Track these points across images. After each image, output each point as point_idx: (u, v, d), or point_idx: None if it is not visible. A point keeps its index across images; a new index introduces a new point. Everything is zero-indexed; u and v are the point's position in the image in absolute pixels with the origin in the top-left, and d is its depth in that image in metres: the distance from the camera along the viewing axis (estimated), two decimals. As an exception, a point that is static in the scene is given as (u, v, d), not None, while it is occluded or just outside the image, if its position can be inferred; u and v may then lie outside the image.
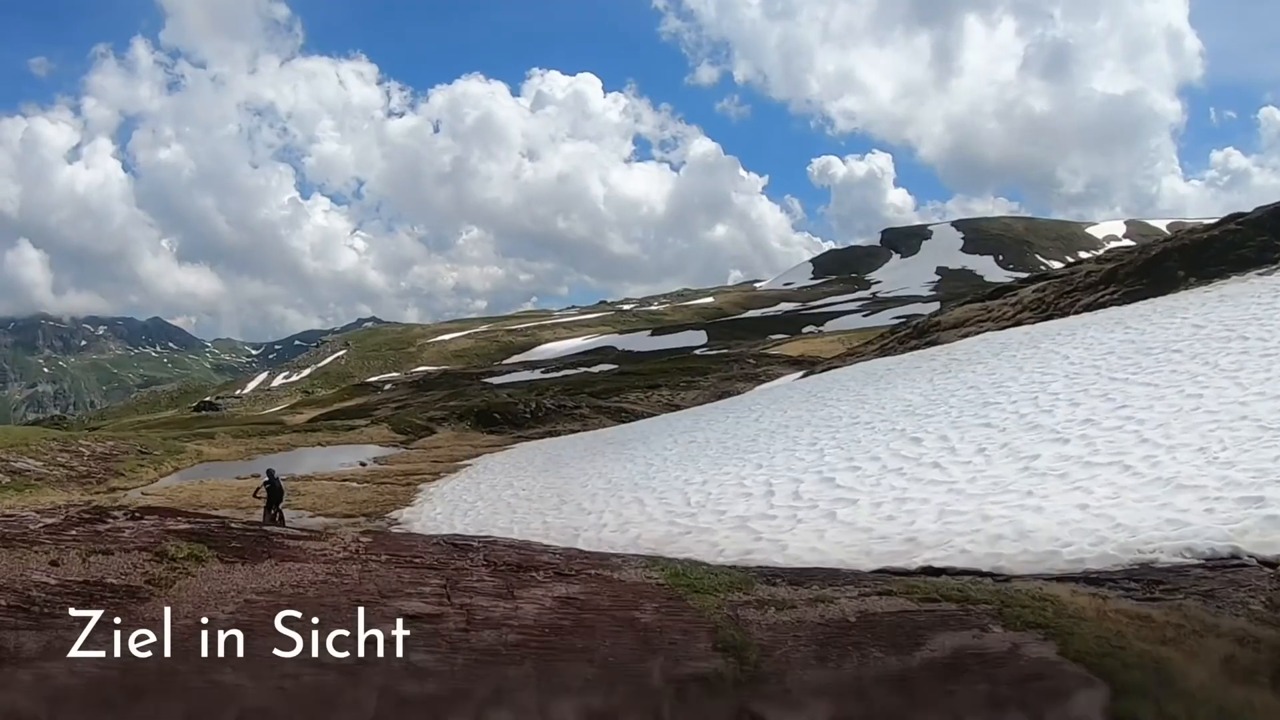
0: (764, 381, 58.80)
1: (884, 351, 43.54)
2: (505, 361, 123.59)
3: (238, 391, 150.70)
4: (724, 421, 29.93)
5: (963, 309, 44.20)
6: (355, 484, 30.14)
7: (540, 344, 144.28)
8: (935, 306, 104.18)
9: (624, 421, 49.70)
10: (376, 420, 55.31)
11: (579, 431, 46.15)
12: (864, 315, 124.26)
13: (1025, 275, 61.73)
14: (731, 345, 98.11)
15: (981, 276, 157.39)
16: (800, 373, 52.84)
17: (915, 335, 42.75)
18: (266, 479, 17.97)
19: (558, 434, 46.74)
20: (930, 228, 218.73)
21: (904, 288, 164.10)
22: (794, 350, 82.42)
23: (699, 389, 60.99)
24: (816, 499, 14.70)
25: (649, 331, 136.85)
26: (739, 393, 52.52)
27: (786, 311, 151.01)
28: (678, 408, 53.14)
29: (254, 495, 19.36)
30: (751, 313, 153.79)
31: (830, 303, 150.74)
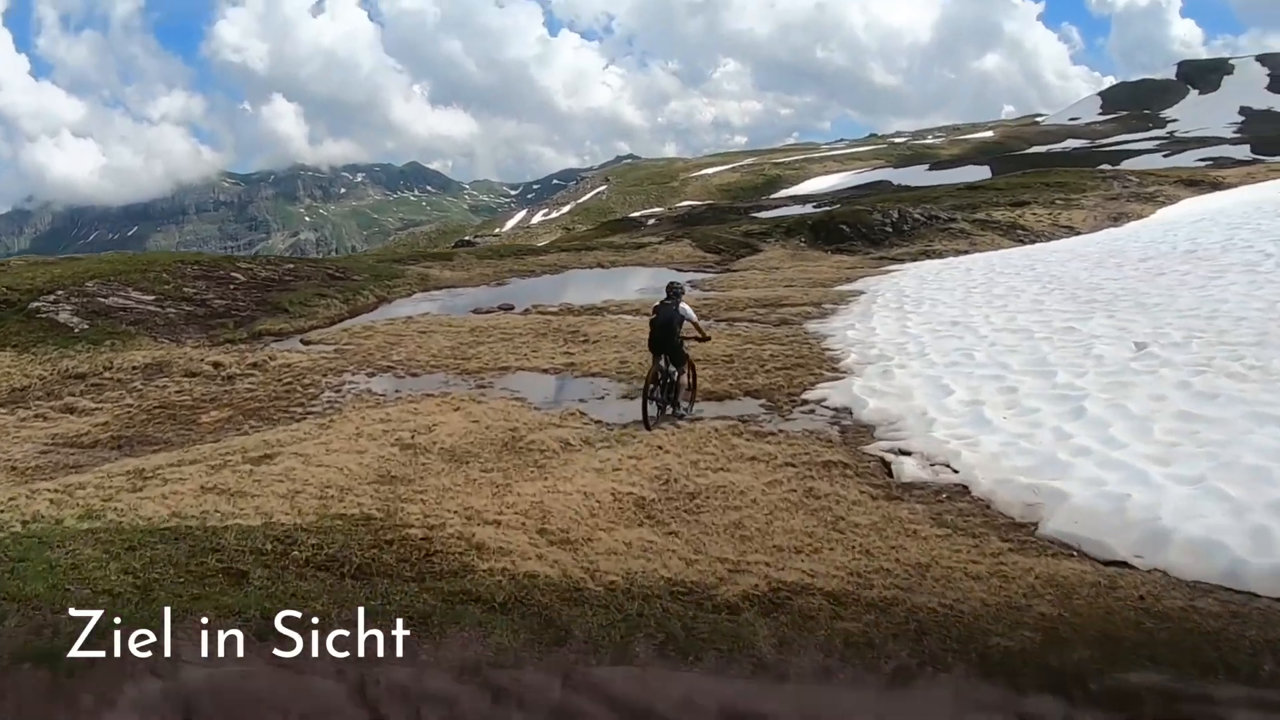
0: (1163, 204, 43.07)
1: None
2: (773, 196, 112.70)
3: (496, 230, 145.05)
4: None
5: None
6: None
7: (809, 177, 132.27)
8: (1245, 150, 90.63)
9: (1025, 243, 35.08)
10: (672, 237, 41.94)
11: (969, 253, 31.74)
12: (1164, 156, 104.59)
13: None
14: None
15: None
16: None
17: None
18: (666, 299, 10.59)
19: (939, 254, 32.86)
20: (1232, 62, 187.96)
21: (1204, 127, 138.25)
22: (1169, 173, 62.48)
23: (1081, 208, 44.11)
24: None
25: (926, 166, 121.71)
26: (1136, 216, 39.84)
27: (1075, 149, 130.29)
28: (1073, 229, 38.51)
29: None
30: (1037, 148, 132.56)
31: (1123, 140, 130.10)
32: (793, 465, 8.13)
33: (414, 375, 14.00)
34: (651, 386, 10.23)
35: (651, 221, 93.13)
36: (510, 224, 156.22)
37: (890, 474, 7.88)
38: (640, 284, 28.33)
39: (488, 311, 20.43)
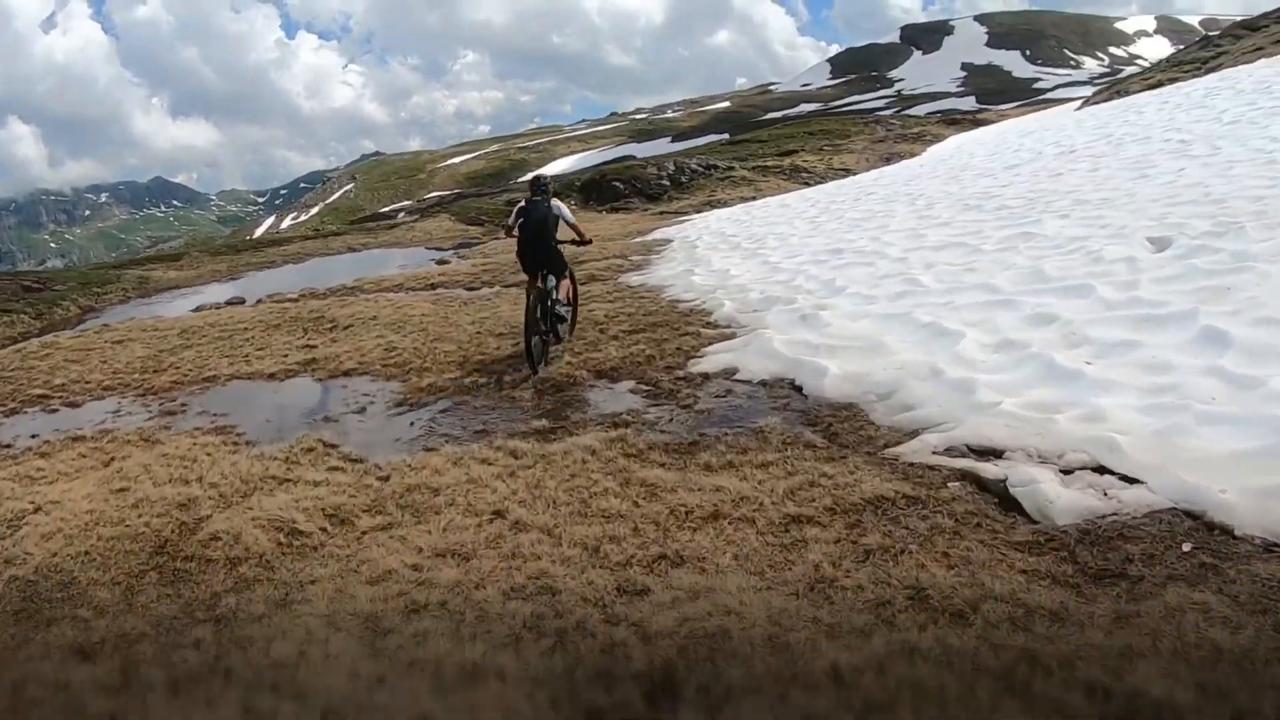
0: (931, 142, 44.13)
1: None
2: (522, 179, 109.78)
3: (245, 238, 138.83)
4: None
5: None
6: (466, 293, 14.14)
7: (555, 159, 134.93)
8: (970, 101, 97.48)
9: (811, 184, 32.60)
10: (428, 214, 37.21)
11: (757, 199, 28.77)
12: (895, 113, 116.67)
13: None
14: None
15: (1010, 72, 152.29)
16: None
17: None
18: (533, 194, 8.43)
19: (724, 203, 30.11)
20: (953, 23, 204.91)
21: (930, 84, 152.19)
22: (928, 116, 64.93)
23: (851, 152, 44.07)
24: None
25: (669, 138, 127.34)
26: (909, 154, 39.36)
27: (810, 112, 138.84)
28: (848, 171, 36.97)
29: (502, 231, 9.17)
30: (773, 114, 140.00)
31: (855, 101, 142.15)
32: (808, 524, 3.76)
33: (73, 406, 8.84)
34: (535, 315, 7.72)
35: (402, 215, 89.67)
36: (259, 231, 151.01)
37: (1024, 511, 3.69)
38: (400, 262, 23.75)
39: (211, 308, 15.98)
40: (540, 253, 8.11)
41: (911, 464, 4.26)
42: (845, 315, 7.34)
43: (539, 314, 7.78)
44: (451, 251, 27.39)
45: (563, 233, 8.24)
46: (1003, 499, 3.77)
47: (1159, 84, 26.03)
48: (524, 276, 8.45)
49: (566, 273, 8.51)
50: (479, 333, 9.61)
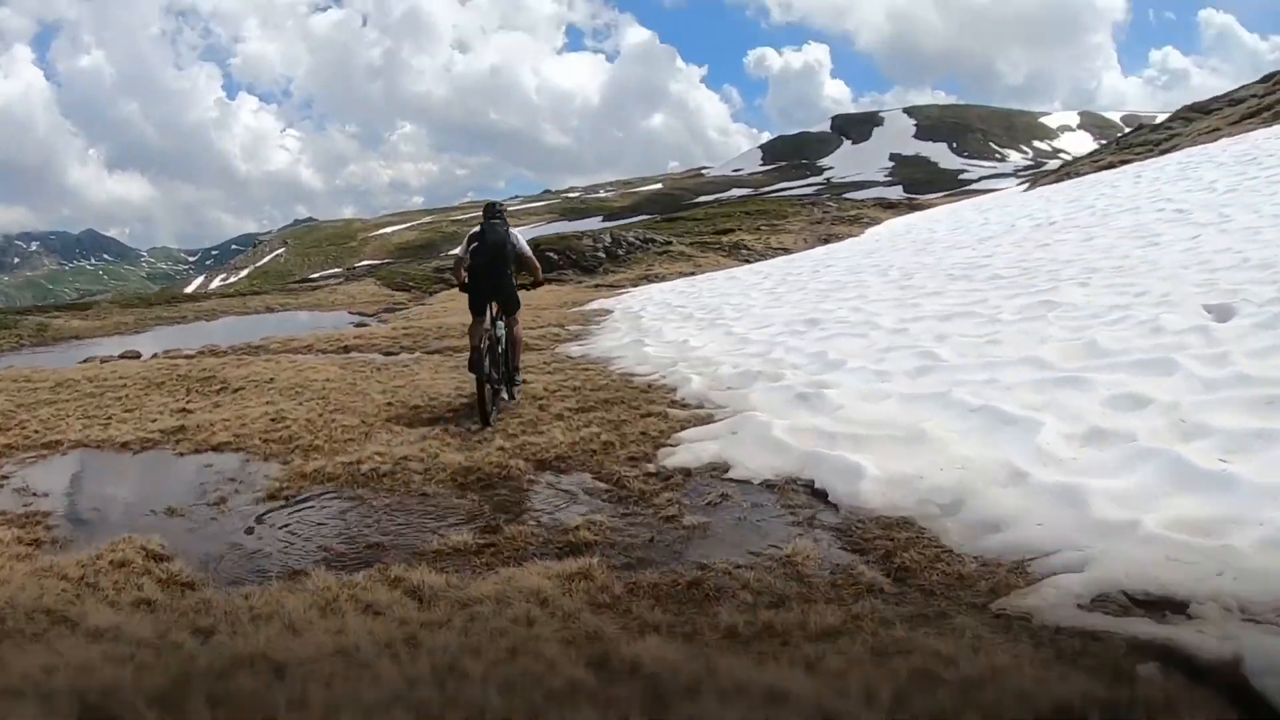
0: (870, 224, 43.34)
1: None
2: (453, 251, 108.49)
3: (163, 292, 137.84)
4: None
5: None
6: (381, 357, 12.18)
7: None
8: (898, 191, 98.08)
9: (749, 261, 32.49)
10: (354, 277, 36.24)
11: (696, 274, 27.81)
12: (830, 197, 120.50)
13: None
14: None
15: (936, 164, 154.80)
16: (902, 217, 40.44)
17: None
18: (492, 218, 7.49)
19: (662, 277, 28.88)
20: (882, 114, 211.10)
21: (859, 173, 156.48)
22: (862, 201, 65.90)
23: (788, 232, 43.80)
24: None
25: (600, 218, 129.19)
26: (848, 235, 38.00)
27: (740, 197, 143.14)
28: (786, 250, 35.89)
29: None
30: (704, 197, 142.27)
31: (784, 188, 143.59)
32: None
33: None
34: (484, 359, 6.62)
35: (333, 283, 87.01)
36: (188, 290, 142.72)
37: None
38: (315, 325, 22.51)
39: (99, 361, 14.54)
40: (496, 277, 7.13)
41: (1060, 629, 2.65)
42: (858, 395, 5.84)
43: (488, 359, 6.69)
44: (374, 317, 25.84)
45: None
46: (1233, 690, 2.21)
47: (1110, 165, 26.18)
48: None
49: (517, 314, 7.55)
50: (389, 404, 7.81)
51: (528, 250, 7.39)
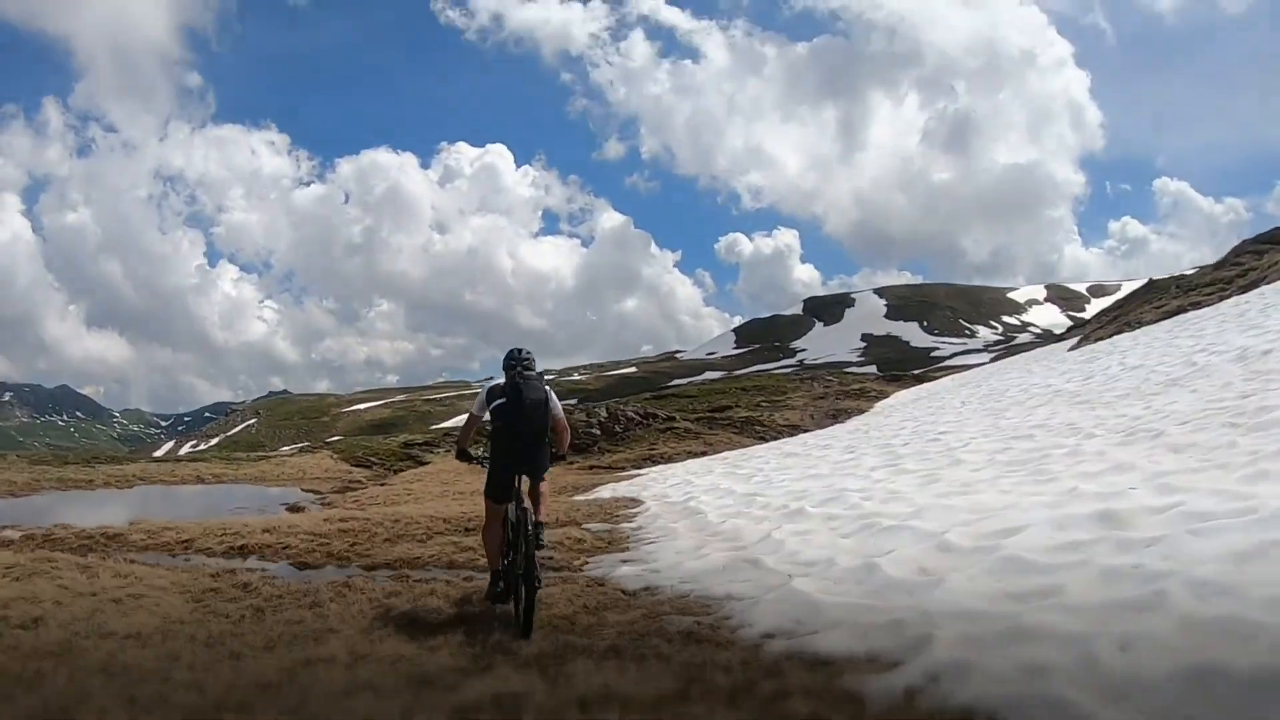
0: (877, 398, 41.85)
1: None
2: (429, 429, 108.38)
3: (103, 454, 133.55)
4: None
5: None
6: (288, 572, 8.13)
7: (460, 414, 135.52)
8: (872, 370, 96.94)
9: (765, 440, 28.88)
10: (310, 449, 32.22)
11: (708, 454, 24.09)
12: (830, 371, 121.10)
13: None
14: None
15: (908, 342, 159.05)
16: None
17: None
18: (521, 367, 5.84)
19: (668, 457, 25.17)
20: (853, 295, 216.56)
21: (831, 354, 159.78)
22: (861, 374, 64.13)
23: (792, 408, 41.18)
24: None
25: (575, 400, 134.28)
26: (858, 410, 36.36)
27: (714, 379, 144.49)
28: (797, 428, 33.61)
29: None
30: (679, 380, 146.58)
31: (757, 370, 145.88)
32: None
33: None
34: (516, 550, 5.28)
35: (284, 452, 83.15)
36: (157, 455, 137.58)
37: None
38: (242, 502, 18.94)
39: None
40: (533, 449, 5.66)
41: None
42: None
43: (522, 549, 5.15)
44: (321, 496, 21.67)
45: None
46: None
47: (1179, 310, 23.55)
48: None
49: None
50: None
51: (561, 414, 5.97)
